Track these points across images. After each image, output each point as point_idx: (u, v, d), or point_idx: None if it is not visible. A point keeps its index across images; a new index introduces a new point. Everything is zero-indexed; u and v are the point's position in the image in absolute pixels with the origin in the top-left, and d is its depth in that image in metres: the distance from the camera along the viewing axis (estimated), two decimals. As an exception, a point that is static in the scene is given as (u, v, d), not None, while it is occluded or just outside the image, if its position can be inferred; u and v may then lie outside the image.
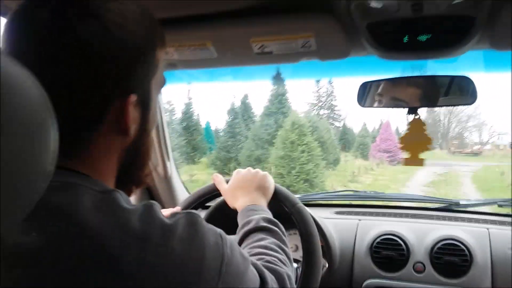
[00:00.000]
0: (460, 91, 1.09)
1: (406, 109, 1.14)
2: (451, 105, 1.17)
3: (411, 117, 1.14)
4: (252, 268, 0.66)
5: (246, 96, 21.38)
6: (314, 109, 34.12)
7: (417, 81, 1.12)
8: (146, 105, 0.64)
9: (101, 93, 0.57)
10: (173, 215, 0.59)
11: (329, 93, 34.49)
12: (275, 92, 19.72)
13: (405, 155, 1.15)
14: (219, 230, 0.62)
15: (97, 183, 0.58)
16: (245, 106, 21.00)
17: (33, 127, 0.33)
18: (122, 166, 0.65)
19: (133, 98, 0.59)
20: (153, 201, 0.58)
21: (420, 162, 1.13)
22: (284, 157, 15.24)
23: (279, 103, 18.84)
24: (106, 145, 0.61)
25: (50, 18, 0.55)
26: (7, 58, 0.34)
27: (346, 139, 27.52)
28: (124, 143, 0.63)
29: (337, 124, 33.24)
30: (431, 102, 1.14)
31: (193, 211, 0.61)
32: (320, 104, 34.59)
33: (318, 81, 33.79)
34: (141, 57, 0.60)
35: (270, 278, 0.69)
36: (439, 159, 25.41)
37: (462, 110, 36.73)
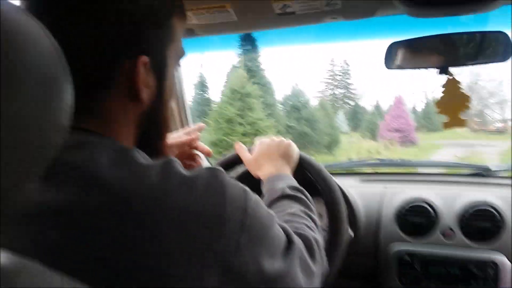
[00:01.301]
0: (493, 48, 1.17)
1: (436, 71, 1.23)
2: (484, 63, 1.22)
3: (444, 78, 1.22)
4: (277, 226, 0.71)
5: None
6: (329, 89, 35.07)
7: (448, 38, 1.20)
8: (161, 71, 0.70)
9: (110, 50, 0.63)
10: (195, 170, 0.65)
11: (345, 71, 35.48)
12: (245, 62, 17.80)
13: (444, 119, 1.23)
14: (243, 185, 0.67)
15: (114, 142, 0.64)
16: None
17: (47, 80, 0.36)
18: (141, 135, 0.73)
19: (143, 59, 0.65)
20: (173, 157, 0.64)
21: (462, 123, 1.22)
22: (218, 144, 12.16)
23: (252, 76, 16.63)
24: (120, 109, 0.67)
25: None
26: (17, 8, 0.37)
27: (357, 119, 27.64)
28: (139, 109, 0.70)
29: (351, 102, 34.12)
30: (463, 60, 1.21)
31: (215, 167, 0.69)
32: (335, 83, 35.55)
33: (332, 60, 34.86)
34: (155, 19, 0.67)
35: (297, 239, 0.74)
36: (460, 138, 25.25)
37: (484, 87, 37.48)
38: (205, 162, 1.80)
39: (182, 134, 1.15)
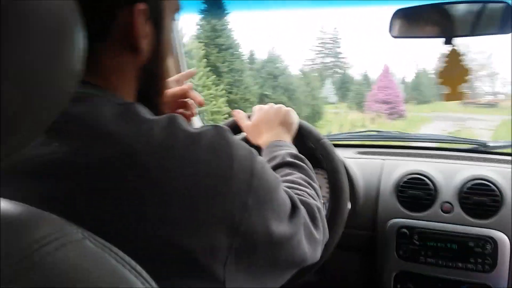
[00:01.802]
0: (498, 19, 1.19)
1: (442, 41, 1.26)
2: (489, 34, 1.24)
3: (447, 48, 1.24)
4: (283, 190, 0.72)
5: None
6: (319, 57, 35.20)
7: (453, 8, 1.23)
8: (157, 23, 0.70)
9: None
10: (200, 127, 0.66)
11: (334, 39, 35.65)
12: (207, 19, 16.80)
13: (445, 90, 1.27)
14: (249, 146, 0.67)
15: (116, 96, 0.64)
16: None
17: (59, 23, 0.36)
18: (140, 90, 0.73)
19: (141, 6, 0.64)
20: (177, 114, 0.64)
21: (460, 96, 1.27)
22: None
23: (216, 36, 16.14)
24: (119, 61, 0.67)
25: None
26: None
27: (345, 89, 27.44)
28: (138, 61, 0.69)
29: (340, 71, 34.38)
30: (467, 30, 1.24)
31: (220, 125, 0.68)
32: (325, 51, 35.74)
33: (322, 27, 35.34)
34: None
35: (301, 206, 0.76)
36: (450, 111, 25.32)
37: (474, 59, 37.96)
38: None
39: (173, 81, 1.14)
